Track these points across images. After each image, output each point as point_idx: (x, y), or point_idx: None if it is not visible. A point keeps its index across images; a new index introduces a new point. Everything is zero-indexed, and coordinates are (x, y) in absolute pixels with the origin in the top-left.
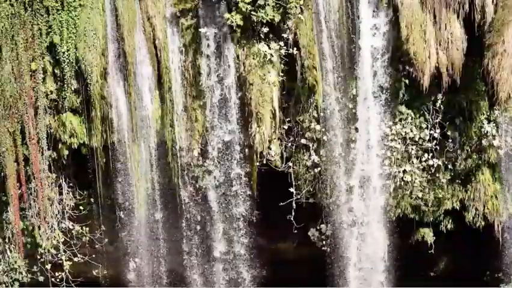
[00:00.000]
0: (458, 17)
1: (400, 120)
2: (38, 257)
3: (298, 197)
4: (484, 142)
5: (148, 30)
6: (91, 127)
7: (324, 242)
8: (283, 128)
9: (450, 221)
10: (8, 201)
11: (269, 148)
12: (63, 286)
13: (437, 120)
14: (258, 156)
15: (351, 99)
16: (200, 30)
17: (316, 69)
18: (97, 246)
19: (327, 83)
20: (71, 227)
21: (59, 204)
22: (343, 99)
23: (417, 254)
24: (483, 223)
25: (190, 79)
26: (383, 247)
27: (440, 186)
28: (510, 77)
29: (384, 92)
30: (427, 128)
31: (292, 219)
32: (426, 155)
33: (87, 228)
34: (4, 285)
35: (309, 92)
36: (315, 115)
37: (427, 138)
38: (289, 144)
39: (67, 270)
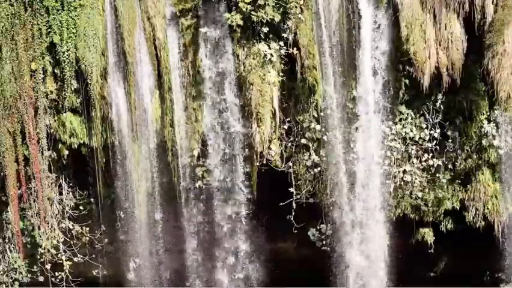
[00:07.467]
0: (458, 17)
1: (400, 120)
2: (38, 257)
3: (298, 197)
4: (484, 142)
5: (148, 30)
6: (91, 127)
7: (324, 242)
8: (283, 128)
9: (450, 221)
10: (8, 201)
11: (269, 148)
12: (63, 286)
13: (437, 120)
14: (258, 156)
15: (351, 99)
16: (200, 30)
17: (316, 69)
18: (97, 246)
19: (327, 83)
20: (71, 227)
21: (59, 204)
22: (343, 99)
23: (417, 254)
24: (483, 223)
25: (190, 79)
26: (383, 247)
27: (440, 186)
28: (510, 77)
29: (384, 91)
30: (427, 128)
31: (292, 219)
32: (426, 155)
33: (87, 228)
34: (4, 285)
35: (309, 92)
36: (315, 115)
37: (427, 138)
38: (289, 144)
39: (66, 270)
